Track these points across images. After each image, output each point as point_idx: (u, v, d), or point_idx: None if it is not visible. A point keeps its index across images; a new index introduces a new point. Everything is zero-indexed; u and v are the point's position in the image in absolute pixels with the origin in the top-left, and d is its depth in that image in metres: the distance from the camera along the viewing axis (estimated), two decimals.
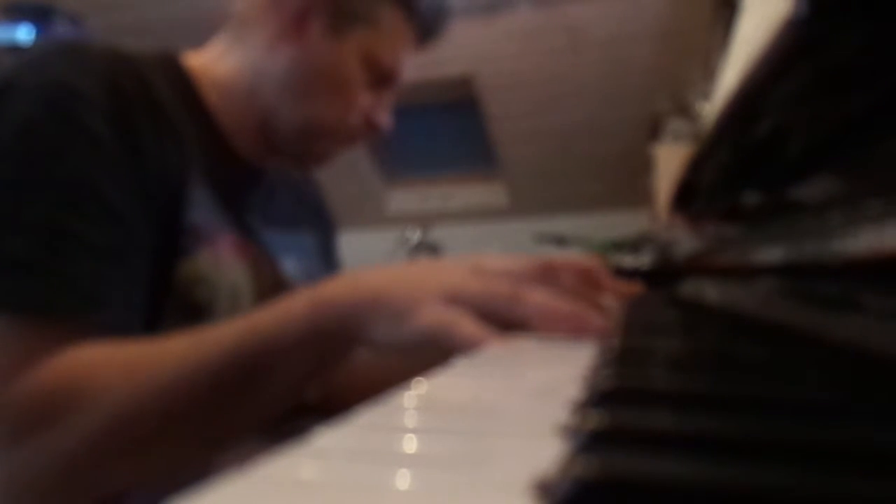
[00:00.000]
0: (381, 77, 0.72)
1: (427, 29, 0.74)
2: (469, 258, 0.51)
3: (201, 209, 0.65)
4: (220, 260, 0.66)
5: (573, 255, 0.56)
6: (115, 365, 0.50)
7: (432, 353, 0.46)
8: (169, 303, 0.61)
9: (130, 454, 0.50)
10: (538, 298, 0.47)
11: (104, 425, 0.49)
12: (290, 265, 0.77)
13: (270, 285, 0.72)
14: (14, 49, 2.80)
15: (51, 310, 0.52)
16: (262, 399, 0.50)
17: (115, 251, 0.56)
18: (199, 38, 0.76)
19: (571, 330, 0.46)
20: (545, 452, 0.18)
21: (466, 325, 0.45)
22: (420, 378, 0.29)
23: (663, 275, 1.09)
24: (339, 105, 0.71)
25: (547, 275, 0.50)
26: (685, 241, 0.95)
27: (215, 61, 0.72)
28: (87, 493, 0.51)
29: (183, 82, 0.69)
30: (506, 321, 0.46)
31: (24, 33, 2.86)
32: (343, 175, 3.52)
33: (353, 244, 2.20)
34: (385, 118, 0.75)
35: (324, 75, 0.70)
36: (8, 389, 0.50)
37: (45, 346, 0.51)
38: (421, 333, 0.45)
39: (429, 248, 3.70)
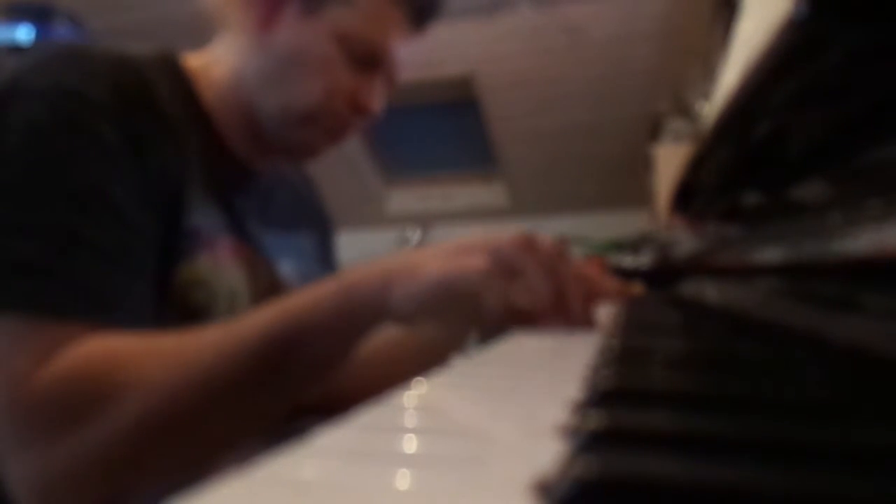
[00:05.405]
0: (366, 58, 0.70)
1: (418, 10, 0.71)
2: (454, 241, 0.53)
3: (200, 212, 0.65)
4: (218, 263, 0.66)
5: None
6: (147, 355, 0.52)
7: (455, 315, 0.50)
8: (168, 305, 0.61)
9: (167, 444, 0.51)
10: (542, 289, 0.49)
11: (142, 414, 0.50)
12: (287, 267, 0.77)
13: (267, 289, 0.72)
14: (14, 49, 2.79)
15: (63, 312, 0.53)
16: (296, 380, 0.54)
17: (125, 255, 0.57)
18: (199, 38, 0.76)
19: (564, 321, 0.49)
20: (545, 452, 0.18)
21: (476, 264, 0.48)
22: (420, 378, 0.29)
23: (663, 275, 1.09)
24: (317, 87, 0.69)
25: (530, 247, 0.52)
26: (685, 241, 0.95)
27: (213, 62, 0.72)
28: (124, 487, 0.51)
29: (183, 84, 0.69)
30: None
31: (24, 33, 2.85)
32: (343, 175, 3.51)
33: (352, 244, 2.20)
34: (374, 102, 0.72)
35: (296, 57, 0.68)
36: (30, 390, 0.50)
37: (59, 348, 0.51)
38: (435, 282, 0.49)
39: None
